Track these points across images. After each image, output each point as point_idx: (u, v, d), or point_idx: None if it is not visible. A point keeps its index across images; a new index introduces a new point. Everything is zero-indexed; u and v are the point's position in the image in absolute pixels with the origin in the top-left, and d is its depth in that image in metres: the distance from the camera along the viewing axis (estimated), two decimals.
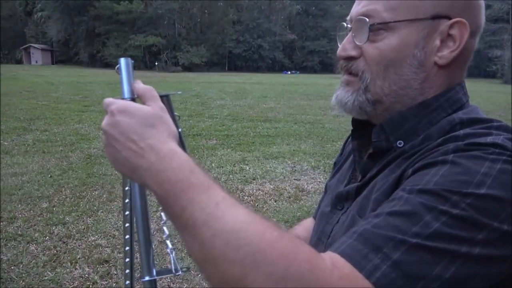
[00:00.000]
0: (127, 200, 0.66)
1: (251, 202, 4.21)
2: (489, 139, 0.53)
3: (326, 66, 59.47)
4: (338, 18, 60.29)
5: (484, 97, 18.15)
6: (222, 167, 5.40)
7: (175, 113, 0.65)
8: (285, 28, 61.84)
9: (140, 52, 49.74)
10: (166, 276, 0.66)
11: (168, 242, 0.65)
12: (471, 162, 0.50)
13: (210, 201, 0.47)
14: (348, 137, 0.88)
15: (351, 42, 0.66)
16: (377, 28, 0.62)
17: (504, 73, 41.69)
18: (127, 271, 0.65)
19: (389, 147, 0.65)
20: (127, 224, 0.66)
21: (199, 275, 2.76)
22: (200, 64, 50.76)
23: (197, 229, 0.46)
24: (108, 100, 0.58)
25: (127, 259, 0.64)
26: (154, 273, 0.61)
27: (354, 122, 0.74)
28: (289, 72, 53.56)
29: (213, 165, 5.48)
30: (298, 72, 54.49)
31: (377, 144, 0.66)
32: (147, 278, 0.61)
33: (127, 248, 0.65)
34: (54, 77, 22.25)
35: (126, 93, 0.60)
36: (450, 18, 0.61)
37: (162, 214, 0.63)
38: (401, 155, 0.62)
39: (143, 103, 0.58)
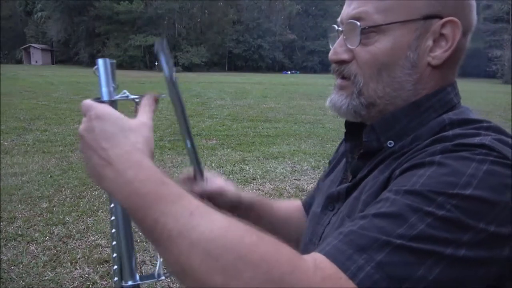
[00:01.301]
0: (112, 205, 0.65)
1: None
2: (477, 140, 0.52)
3: (326, 66, 58.70)
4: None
5: (484, 97, 18.15)
6: (222, 167, 5.40)
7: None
8: (285, 28, 61.86)
9: (140, 52, 49.77)
10: (150, 282, 0.64)
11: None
12: (458, 163, 0.49)
13: (183, 211, 0.46)
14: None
15: (342, 46, 0.65)
16: (368, 31, 0.61)
17: (504, 73, 41.69)
18: (115, 278, 0.63)
19: (380, 147, 0.64)
20: (113, 230, 0.65)
21: None
22: (200, 64, 50.79)
23: (172, 241, 0.45)
24: (87, 103, 0.56)
25: (115, 266, 0.62)
26: (137, 277, 0.61)
27: (347, 124, 0.74)
28: (289, 72, 53.58)
29: (213, 165, 5.48)
30: (298, 72, 54.51)
31: (367, 144, 0.66)
32: (130, 283, 0.60)
33: (114, 255, 0.63)
34: (54, 77, 22.25)
35: (105, 95, 0.58)
36: (442, 18, 0.60)
37: None
38: (390, 156, 0.62)
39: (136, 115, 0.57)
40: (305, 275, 0.43)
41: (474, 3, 0.64)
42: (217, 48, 56.08)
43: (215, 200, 0.77)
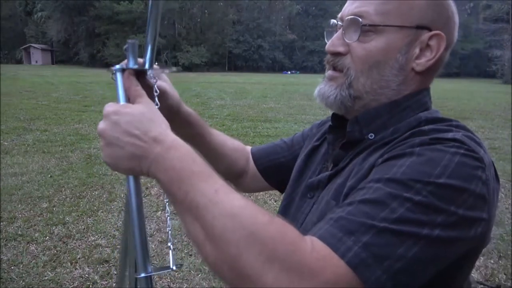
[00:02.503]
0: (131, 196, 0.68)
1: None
2: (450, 135, 0.59)
3: None
4: None
5: (484, 97, 18.15)
6: None
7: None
8: (285, 28, 61.86)
9: (141, 52, 49.59)
10: (162, 272, 0.66)
11: (169, 235, 0.68)
12: (434, 154, 0.56)
13: (210, 188, 0.53)
14: (321, 123, 0.94)
15: (340, 39, 0.71)
16: (367, 29, 0.67)
17: (504, 73, 41.69)
18: (126, 273, 0.64)
19: (361, 138, 0.71)
20: (126, 222, 0.67)
21: (199, 275, 2.76)
22: (200, 64, 50.78)
23: (199, 212, 0.52)
24: (105, 106, 0.61)
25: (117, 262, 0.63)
26: (150, 269, 0.61)
27: (334, 118, 0.80)
28: (289, 72, 53.56)
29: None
30: (298, 72, 54.49)
31: (350, 134, 0.72)
32: (142, 274, 0.61)
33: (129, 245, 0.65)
34: (54, 77, 22.25)
35: (124, 101, 0.63)
36: (431, 30, 0.67)
37: (167, 205, 0.67)
38: (371, 146, 0.68)
39: (132, 102, 0.62)
40: (303, 255, 0.49)
41: (457, 22, 0.72)
42: (217, 48, 56.05)
43: (160, 101, 0.75)
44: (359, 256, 0.49)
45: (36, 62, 54.54)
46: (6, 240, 3.17)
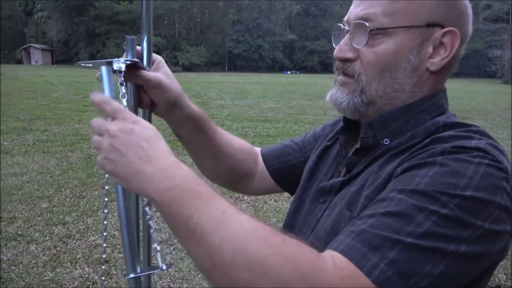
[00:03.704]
0: (106, 199, 0.69)
1: (251, 202, 4.21)
2: (473, 143, 0.57)
3: (326, 66, 59.37)
4: (338, 18, 59.78)
5: (484, 97, 18.15)
6: None
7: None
8: (285, 28, 61.86)
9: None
10: (151, 272, 0.66)
11: (154, 236, 0.66)
12: (458, 164, 0.54)
13: (216, 209, 0.50)
14: (334, 123, 0.91)
15: (348, 44, 0.68)
16: (375, 33, 0.64)
17: (504, 73, 41.67)
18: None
19: (376, 144, 0.68)
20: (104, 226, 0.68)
21: (199, 275, 2.75)
22: (200, 64, 50.79)
23: (205, 236, 0.48)
24: (115, 105, 0.59)
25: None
26: (139, 270, 0.62)
27: (346, 119, 0.77)
28: (289, 72, 53.55)
29: None
30: (298, 72, 54.48)
31: (364, 140, 0.69)
32: (131, 275, 0.61)
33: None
34: (54, 77, 22.25)
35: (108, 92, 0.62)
36: (443, 27, 0.64)
37: (147, 209, 0.64)
38: (387, 152, 0.65)
39: (113, 118, 0.59)
40: (326, 274, 0.47)
41: (471, 14, 0.68)
42: (217, 48, 56.08)
43: (153, 93, 0.72)
44: (385, 274, 0.47)
45: (36, 62, 54.53)
46: (6, 240, 3.17)
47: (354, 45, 0.67)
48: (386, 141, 0.67)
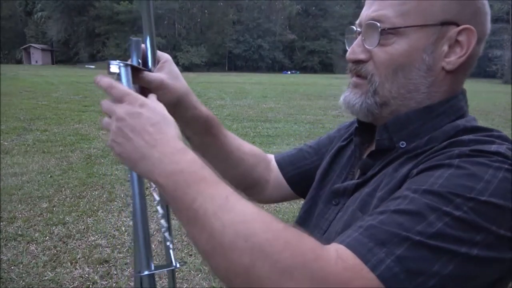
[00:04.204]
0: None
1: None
2: (493, 148, 0.55)
3: (326, 66, 59.45)
4: (338, 18, 60.39)
5: (484, 97, 18.14)
6: None
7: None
8: (285, 28, 61.86)
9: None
10: (165, 270, 0.66)
11: (166, 235, 0.65)
12: (476, 167, 0.52)
13: (220, 194, 0.50)
14: (350, 124, 0.88)
15: (360, 46, 0.67)
16: (387, 33, 0.63)
17: (504, 73, 41.71)
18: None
19: (391, 147, 0.66)
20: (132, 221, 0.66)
21: (199, 275, 2.76)
22: (200, 64, 50.81)
23: (207, 219, 0.49)
24: (123, 88, 0.59)
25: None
26: (153, 267, 0.61)
27: (360, 120, 0.75)
28: (289, 72, 53.55)
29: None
30: (298, 72, 54.48)
31: (379, 142, 0.68)
32: (146, 272, 0.61)
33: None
34: (54, 77, 22.25)
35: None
36: (458, 25, 0.62)
37: (159, 208, 0.63)
38: (403, 155, 0.64)
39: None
40: (327, 263, 0.46)
41: (489, 11, 0.66)
42: (217, 48, 56.08)
43: (157, 94, 0.69)
44: (392, 270, 0.46)
45: (36, 62, 54.54)
46: (6, 240, 3.17)
47: (367, 46, 0.66)
48: (402, 144, 0.65)
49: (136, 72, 0.67)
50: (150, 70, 0.70)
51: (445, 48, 0.63)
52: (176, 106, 0.75)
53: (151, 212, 0.76)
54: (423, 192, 0.51)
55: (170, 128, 0.57)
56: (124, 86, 0.60)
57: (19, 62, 56.47)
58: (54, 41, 57.43)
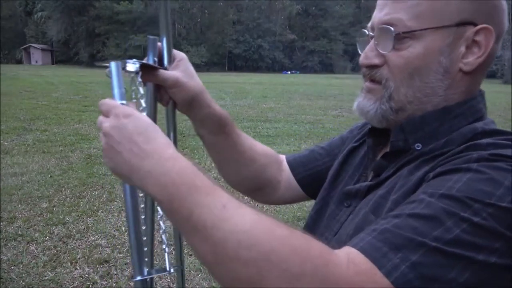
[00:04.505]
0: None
1: (251, 202, 4.21)
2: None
3: (326, 66, 59.47)
4: (338, 18, 60.41)
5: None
6: None
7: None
8: (285, 28, 61.85)
9: (140, 52, 49.66)
10: (159, 275, 0.66)
11: (163, 237, 0.65)
12: (495, 172, 0.51)
13: (216, 203, 0.48)
14: (363, 124, 0.87)
15: (373, 50, 0.66)
16: (402, 37, 0.61)
17: (504, 73, 41.71)
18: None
19: (407, 148, 0.65)
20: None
21: (199, 275, 2.76)
22: (200, 64, 50.73)
23: (207, 231, 0.47)
24: (110, 102, 0.58)
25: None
26: (145, 272, 0.61)
27: None
28: (289, 72, 53.53)
29: (213, 165, 5.47)
30: (298, 72, 54.46)
31: (394, 144, 0.66)
32: (138, 278, 0.61)
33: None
34: (54, 77, 22.25)
35: (119, 97, 0.61)
36: (475, 25, 0.60)
37: (159, 208, 0.63)
38: (419, 158, 0.62)
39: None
40: (338, 268, 0.45)
41: (506, 9, 0.64)
42: (217, 48, 56.06)
43: (171, 92, 0.71)
44: (406, 276, 0.45)
45: (36, 62, 54.55)
46: (6, 240, 3.17)
47: (381, 51, 0.64)
48: (418, 146, 0.63)
49: (152, 70, 0.67)
50: (165, 68, 0.70)
51: (462, 49, 0.61)
52: (191, 104, 0.75)
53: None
54: (440, 196, 0.50)
55: (158, 134, 0.55)
56: (111, 100, 0.59)
57: (19, 62, 56.47)
58: (54, 41, 57.41)
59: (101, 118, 0.58)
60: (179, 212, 0.49)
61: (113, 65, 0.61)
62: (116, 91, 0.60)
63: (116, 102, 0.58)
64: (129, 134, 0.54)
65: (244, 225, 0.46)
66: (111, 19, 50.34)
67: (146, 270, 0.62)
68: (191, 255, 3.00)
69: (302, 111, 11.16)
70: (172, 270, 0.63)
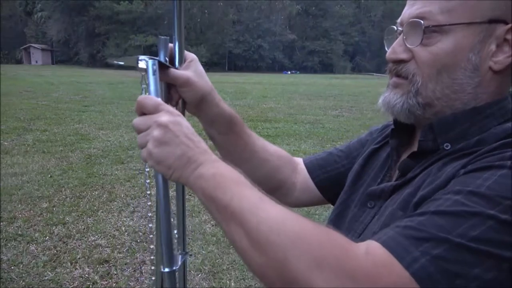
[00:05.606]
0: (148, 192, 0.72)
1: None
2: None
3: (326, 66, 59.47)
4: (338, 18, 60.47)
5: None
6: None
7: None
8: (285, 28, 61.86)
9: (140, 52, 49.58)
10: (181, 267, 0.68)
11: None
12: None
13: (254, 194, 0.53)
14: (383, 127, 0.86)
15: (401, 45, 0.65)
16: (431, 31, 0.61)
17: None
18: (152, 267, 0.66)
19: (435, 148, 0.64)
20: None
21: (199, 275, 2.76)
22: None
23: (244, 216, 0.51)
24: (155, 98, 0.60)
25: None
26: (180, 261, 0.65)
27: (396, 122, 0.73)
28: (289, 72, 53.53)
29: None
30: (298, 72, 54.47)
31: (423, 143, 0.65)
32: (166, 270, 0.63)
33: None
34: (54, 77, 22.25)
35: (156, 94, 0.62)
36: (507, 23, 0.59)
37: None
38: (448, 156, 0.61)
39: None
40: (355, 257, 0.46)
41: None
42: (217, 48, 56.06)
43: (182, 91, 0.73)
44: (427, 269, 0.45)
45: (36, 62, 54.55)
46: (6, 240, 3.17)
47: (408, 45, 0.63)
48: (447, 146, 0.63)
49: (163, 69, 0.68)
50: (176, 68, 0.71)
51: (493, 47, 0.60)
52: (201, 103, 0.76)
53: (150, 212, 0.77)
54: (468, 193, 0.49)
55: (202, 141, 0.60)
56: (153, 97, 0.61)
57: (19, 62, 56.48)
58: (54, 41, 57.43)
59: (142, 117, 0.59)
60: (220, 199, 0.53)
61: (150, 62, 0.62)
62: (153, 88, 0.62)
63: (160, 99, 0.60)
64: (186, 130, 0.58)
65: (277, 215, 0.50)
66: (111, 19, 50.33)
67: (175, 263, 0.64)
68: (191, 255, 3.01)
69: (302, 111, 11.16)
70: (176, 268, 0.64)
